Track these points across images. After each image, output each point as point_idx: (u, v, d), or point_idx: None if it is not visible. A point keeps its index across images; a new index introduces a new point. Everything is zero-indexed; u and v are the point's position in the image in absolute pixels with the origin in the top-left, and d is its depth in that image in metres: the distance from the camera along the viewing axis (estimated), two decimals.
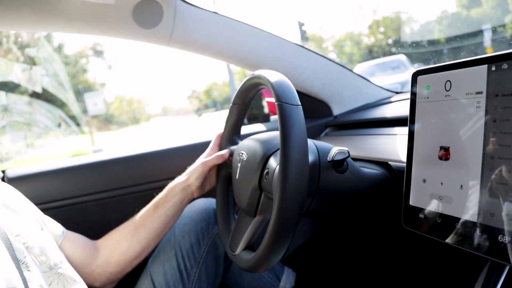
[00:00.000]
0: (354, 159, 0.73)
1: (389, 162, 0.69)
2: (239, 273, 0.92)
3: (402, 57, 7.89)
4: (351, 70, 1.16)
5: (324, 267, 1.19)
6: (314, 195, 0.62)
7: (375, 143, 0.80)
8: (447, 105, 0.46)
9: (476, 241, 0.42)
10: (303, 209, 0.54)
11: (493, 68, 0.41)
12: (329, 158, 0.60)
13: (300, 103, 0.56)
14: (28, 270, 0.53)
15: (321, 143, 0.65)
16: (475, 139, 0.42)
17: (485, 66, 0.42)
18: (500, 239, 0.39)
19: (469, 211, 0.43)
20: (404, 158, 0.54)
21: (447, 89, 0.47)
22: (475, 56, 0.44)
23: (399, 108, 0.96)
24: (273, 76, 0.60)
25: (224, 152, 0.81)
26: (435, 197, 0.48)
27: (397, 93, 1.19)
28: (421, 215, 0.50)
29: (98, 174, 1.04)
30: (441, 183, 0.47)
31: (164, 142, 1.12)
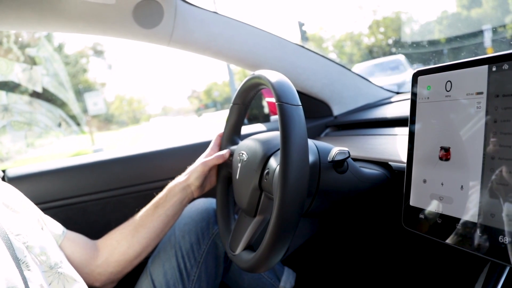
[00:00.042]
0: (355, 160, 0.73)
1: (390, 163, 0.69)
2: (239, 273, 0.92)
3: (401, 58, 7.82)
4: (351, 70, 1.16)
5: (324, 267, 1.19)
6: (314, 195, 0.62)
7: (375, 144, 0.80)
8: (448, 106, 0.46)
9: (476, 241, 0.42)
10: (303, 209, 0.54)
11: (494, 69, 0.41)
12: (330, 158, 0.60)
13: (300, 103, 0.56)
14: (28, 270, 0.53)
15: (322, 143, 0.65)
16: (475, 139, 0.42)
17: (486, 66, 0.42)
18: (501, 239, 0.39)
19: (470, 212, 0.43)
20: (404, 158, 0.54)
21: (448, 90, 0.47)
22: (475, 56, 0.43)
23: (400, 108, 0.96)
24: (273, 76, 0.60)
25: (224, 152, 0.81)
26: (435, 198, 0.48)
27: (397, 93, 1.19)
28: (421, 216, 0.50)
29: (98, 174, 1.04)
30: (442, 184, 0.47)
31: (164, 142, 1.12)
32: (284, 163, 0.52)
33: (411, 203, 0.51)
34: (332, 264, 1.19)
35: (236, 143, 0.83)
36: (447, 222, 0.46)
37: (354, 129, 1.04)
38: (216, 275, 0.85)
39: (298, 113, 0.55)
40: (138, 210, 0.81)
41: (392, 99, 1.13)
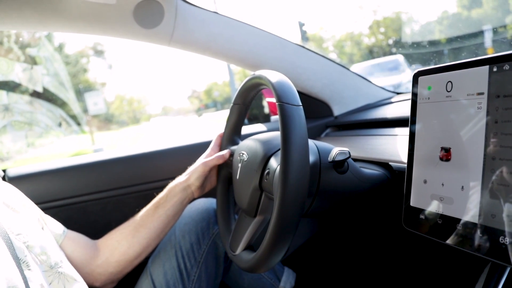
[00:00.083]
0: (355, 160, 0.73)
1: (390, 163, 0.69)
2: (239, 273, 0.92)
3: (400, 58, 7.74)
4: (351, 71, 1.16)
5: (324, 267, 1.19)
6: (314, 195, 0.62)
7: (375, 144, 0.80)
8: (448, 106, 0.46)
9: (476, 242, 0.42)
10: (303, 210, 0.54)
11: (495, 69, 0.41)
12: (330, 158, 0.60)
13: (301, 103, 0.56)
14: (29, 269, 0.53)
15: (322, 144, 0.65)
16: (476, 140, 0.42)
17: (487, 67, 0.42)
18: (501, 240, 0.39)
19: (470, 212, 0.43)
20: (404, 158, 0.54)
21: (448, 90, 0.47)
22: (476, 56, 0.43)
23: (400, 108, 0.96)
24: (274, 76, 0.60)
25: (225, 152, 0.81)
26: (436, 198, 0.48)
27: (398, 93, 1.19)
28: (421, 216, 0.50)
29: (99, 174, 1.04)
30: (442, 184, 0.47)
31: (164, 142, 1.12)
32: (284, 163, 0.52)
33: (412, 203, 0.51)
34: (332, 264, 1.19)
35: (236, 143, 0.83)
36: (447, 223, 0.46)
37: (355, 129, 1.04)
38: (216, 275, 0.85)
39: (299, 113, 0.55)
40: (139, 210, 0.81)
41: (392, 100, 1.13)
